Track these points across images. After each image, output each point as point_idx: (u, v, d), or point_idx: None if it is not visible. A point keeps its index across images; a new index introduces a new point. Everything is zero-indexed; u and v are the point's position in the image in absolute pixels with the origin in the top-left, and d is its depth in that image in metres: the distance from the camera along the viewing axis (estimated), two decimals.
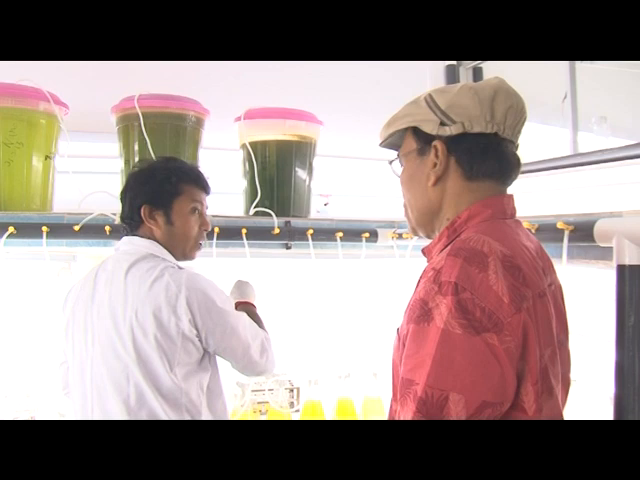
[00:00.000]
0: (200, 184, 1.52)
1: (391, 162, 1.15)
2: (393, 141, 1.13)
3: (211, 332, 1.36)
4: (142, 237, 1.45)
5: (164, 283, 1.34)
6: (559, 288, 1.07)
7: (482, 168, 1.02)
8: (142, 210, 1.43)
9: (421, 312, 0.90)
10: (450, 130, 1.01)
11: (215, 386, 1.44)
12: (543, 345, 0.93)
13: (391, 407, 1.07)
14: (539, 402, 0.93)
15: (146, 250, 1.42)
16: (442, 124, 1.02)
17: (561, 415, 1.02)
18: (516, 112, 1.03)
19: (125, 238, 1.48)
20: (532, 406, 0.92)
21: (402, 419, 0.92)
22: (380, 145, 1.16)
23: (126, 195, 1.48)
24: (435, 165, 1.04)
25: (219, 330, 1.37)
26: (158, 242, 1.45)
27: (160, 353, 1.32)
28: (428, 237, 1.12)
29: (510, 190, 1.09)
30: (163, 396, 1.32)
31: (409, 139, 1.09)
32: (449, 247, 0.95)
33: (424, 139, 1.05)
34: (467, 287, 0.87)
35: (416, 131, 1.06)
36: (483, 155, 1.02)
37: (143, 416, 1.32)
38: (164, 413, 1.32)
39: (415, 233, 1.15)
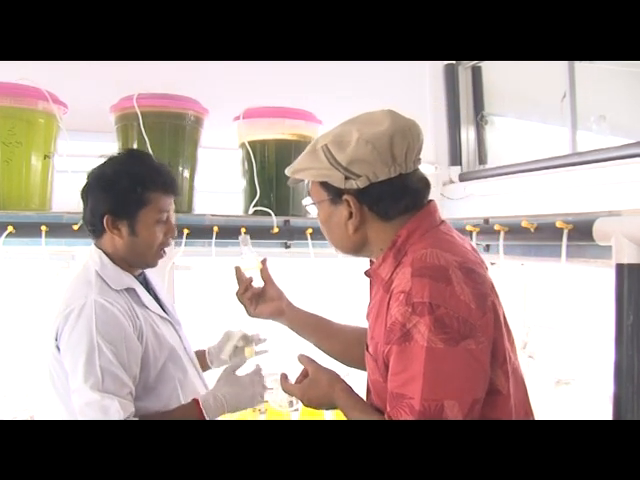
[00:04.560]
0: (168, 189, 1.39)
1: (306, 205, 1.20)
2: None
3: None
4: (101, 248, 1.39)
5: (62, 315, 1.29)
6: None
7: (396, 210, 1.08)
8: (104, 220, 1.34)
9: (401, 333, 0.97)
10: (356, 184, 1.06)
11: None
12: (505, 331, 1.06)
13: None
14: (509, 382, 1.04)
15: (86, 278, 1.34)
16: (346, 178, 1.06)
17: (525, 387, 1.12)
18: (414, 147, 1.07)
19: (90, 251, 1.41)
20: (505, 386, 1.03)
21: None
22: (290, 184, 1.23)
23: (87, 198, 1.38)
24: (351, 215, 1.09)
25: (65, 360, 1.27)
26: (116, 254, 1.38)
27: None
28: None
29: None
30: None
31: (317, 188, 1.13)
32: (409, 268, 1.01)
33: (333, 191, 1.09)
34: (440, 303, 0.95)
35: (324, 183, 1.10)
36: (393, 199, 1.07)
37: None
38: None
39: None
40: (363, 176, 1.05)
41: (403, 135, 1.05)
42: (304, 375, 1.22)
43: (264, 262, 1.46)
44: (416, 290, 0.97)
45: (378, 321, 1.07)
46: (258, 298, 1.44)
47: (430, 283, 0.97)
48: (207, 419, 1.33)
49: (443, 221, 1.12)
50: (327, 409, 1.19)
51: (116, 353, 1.25)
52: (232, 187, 2.17)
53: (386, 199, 1.07)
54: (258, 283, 1.46)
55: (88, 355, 1.23)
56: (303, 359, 1.22)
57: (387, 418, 0.99)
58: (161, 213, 1.38)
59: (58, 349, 1.28)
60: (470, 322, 0.96)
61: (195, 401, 1.35)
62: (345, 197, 1.07)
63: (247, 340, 1.50)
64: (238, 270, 1.45)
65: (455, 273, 0.98)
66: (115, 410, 1.20)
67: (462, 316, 0.95)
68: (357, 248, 1.14)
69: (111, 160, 1.40)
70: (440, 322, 0.94)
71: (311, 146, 1.11)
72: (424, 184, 1.12)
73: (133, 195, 1.34)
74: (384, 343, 1.02)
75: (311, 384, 1.18)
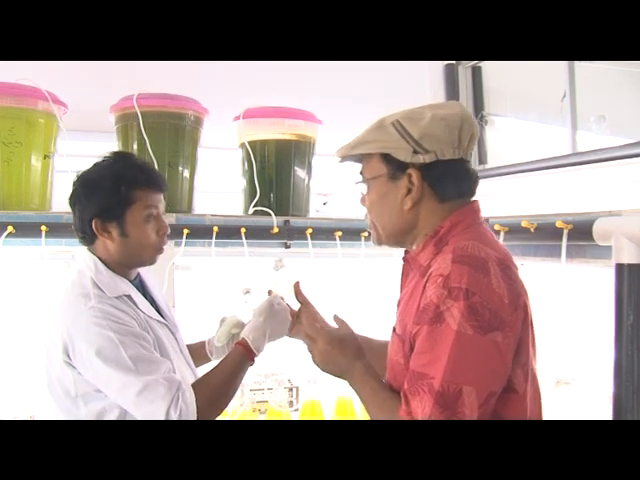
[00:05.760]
0: (153, 185, 1.38)
1: (357, 183, 1.20)
2: (352, 158, 1.19)
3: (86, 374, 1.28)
4: (95, 254, 1.37)
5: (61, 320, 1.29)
6: None
7: (455, 191, 1.12)
8: (93, 224, 1.33)
9: (434, 315, 0.99)
10: (424, 158, 1.08)
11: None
12: (531, 335, 1.08)
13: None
14: (527, 382, 1.05)
15: (82, 286, 1.32)
16: (415, 152, 1.08)
17: (540, 392, 1.13)
18: (475, 138, 1.12)
19: (83, 256, 1.40)
20: (522, 386, 1.04)
21: (414, 407, 0.98)
22: (340, 162, 1.22)
23: (74, 206, 1.37)
24: (410, 191, 1.10)
25: (92, 376, 1.26)
26: (110, 259, 1.36)
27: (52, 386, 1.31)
28: (395, 247, 1.22)
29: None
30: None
31: (377, 163, 1.13)
32: (450, 254, 1.03)
33: (396, 165, 1.11)
34: (476, 291, 0.97)
35: (386, 157, 1.11)
36: (454, 180, 1.11)
37: None
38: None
39: (381, 244, 1.21)
40: (432, 152, 1.07)
41: (470, 123, 1.10)
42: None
43: (297, 285, 1.49)
44: (455, 275, 0.99)
45: (410, 303, 1.09)
46: (294, 319, 1.47)
47: (469, 271, 0.99)
48: (256, 352, 1.40)
49: (483, 222, 1.15)
50: (333, 375, 1.17)
51: (138, 343, 1.26)
52: (232, 187, 2.17)
53: (448, 179, 1.10)
54: (293, 305, 1.50)
55: (112, 357, 1.23)
56: (339, 319, 1.24)
57: (403, 396, 1.01)
58: (149, 209, 1.36)
59: (72, 366, 1.27)
60: (501, 315, 0.98)
61: (239, 344, 1.40)
62: (409, 171, 1.09)
63: (242, 327, 1.49)
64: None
65: (494, 267, 1.01)
66: (163, 388, 1.21)
67: (494, 308, 0.97)
68: (406, 230, 1.14)
69: (96, 164, 1.39)
70: (473, 309, 0.96)
71: (376, 123, 1.13)
72: (476, 176, 1.16)
73: (118, 195, 1.32)
74: (414, 323, 1.03)
75: (341, 342, 1.16)
